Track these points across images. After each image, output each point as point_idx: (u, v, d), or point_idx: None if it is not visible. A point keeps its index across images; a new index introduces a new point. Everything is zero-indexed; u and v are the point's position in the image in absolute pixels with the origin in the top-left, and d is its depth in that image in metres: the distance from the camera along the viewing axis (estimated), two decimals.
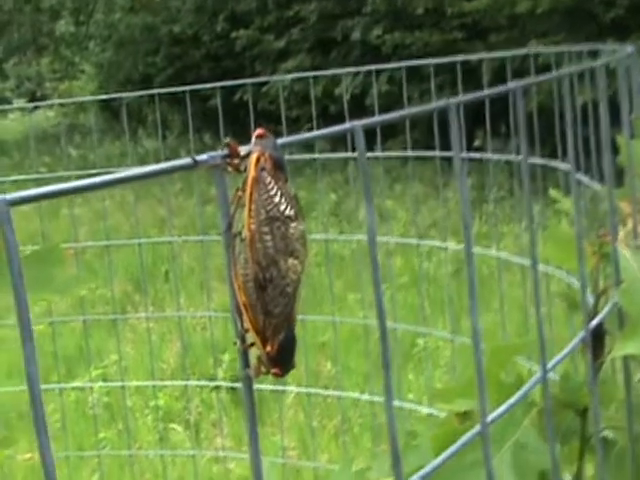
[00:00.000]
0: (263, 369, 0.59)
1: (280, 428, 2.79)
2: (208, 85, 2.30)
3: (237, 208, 0.59)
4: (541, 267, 2.00)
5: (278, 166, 0.59)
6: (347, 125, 0.52)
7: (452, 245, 2.39)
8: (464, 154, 2.05)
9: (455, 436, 0.58)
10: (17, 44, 13.27)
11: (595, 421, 0.67)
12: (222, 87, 2.29)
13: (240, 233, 0.59)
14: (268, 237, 0.58)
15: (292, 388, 2.89)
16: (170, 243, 2.63)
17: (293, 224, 0.59)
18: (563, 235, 0.80)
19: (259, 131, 0.60)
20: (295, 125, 7.28)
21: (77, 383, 3.59)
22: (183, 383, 2.89)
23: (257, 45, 9.39)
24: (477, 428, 0.49)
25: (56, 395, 2.76)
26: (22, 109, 9.90)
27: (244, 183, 0.58)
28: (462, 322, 3.56)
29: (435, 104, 0.57)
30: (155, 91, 2.31)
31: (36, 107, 10.85)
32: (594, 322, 0.73)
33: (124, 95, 2.50)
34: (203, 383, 3.36)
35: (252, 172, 0.58)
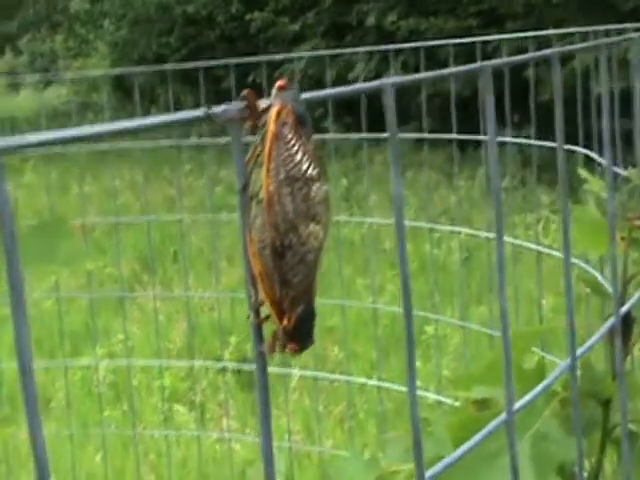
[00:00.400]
0: (278, 345, 0.54)
1: (285, 411, 2.78)
2: (222, 62, 2.27)
3: (254, 167, 0.53)
4: (556, 253, 1.97)
5: (301, 121, 0.53)
6: (376, 83, 0.48)
7: (465, 230, 2.36)
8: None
9: (474, 425, 0.55)
10: (32, 20, 13.24)
11: (622, 413, 0.65)
12: (236, 65, 2.26)
13: (257, 194, 0.53)
14: (288, 199, 0.53)
15: (298, 372, 2.88)
16: (179, 222, 2.61)
17: (316, 185, 0.53)
18: (590, 218, 0.77)
19: (280, 82, 0.54)
20: (307, 110, 7.22)
21: (83, 360, 3.59)
22: (189, 364, 2.88)
23: (271, 27, 9.34)
24: (503, 417, 0.47)
25: (62, 372, 2.75)
26: (34, 85, 9.88)
27: (263, 139, 0.53)
28: (471, 309, 3.53)
29: (470, 66, 0.54)
30: (169, 66, 2.28)
31: (48, 83, 10.83)
32: (623, 309, 0.70)
33: (137, 70, 2.48)
34: (209, 364, 3.35)
35: (272, 127, 0.53)
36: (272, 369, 2.49)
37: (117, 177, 6.73)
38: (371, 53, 6.74)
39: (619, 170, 1.09)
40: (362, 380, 2.80)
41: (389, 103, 0.44)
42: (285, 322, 0.54)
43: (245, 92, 0.53)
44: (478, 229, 2.66)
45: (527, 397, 0.50)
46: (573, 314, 0.51)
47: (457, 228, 2.32)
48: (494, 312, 3.31)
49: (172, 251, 5.21)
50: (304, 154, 0.53)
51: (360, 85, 0.52)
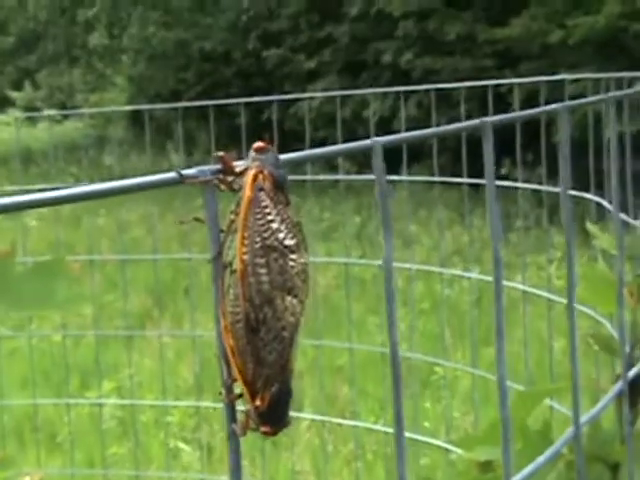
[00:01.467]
0: (252, 425, 0.51)
1: (294, 452, 2.75)
2: (233, 101, 2.28)
3: (229, 234, 0.50)
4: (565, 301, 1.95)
5: (279, 186, 0.50)
6: (368, 142, 0.47)
7: (475, 274, 2.35)
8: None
9: None
10: (51, 55, 13.37)
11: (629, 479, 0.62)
12: (249, 104, 2.27)
13: (231, 264, 0.50)
14: (263, 270, 0.49)
15: (307, 415, 2.86)
16: (189, 260, 2.60)
17: (293, 256, 0.50)
18: (599, 275, 0.75)
19: (259, 144, 0.51)
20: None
21: (90, 395, 3.57)
22: (195, 404, 2.86)
23: (287, 64, 9.41)
24: None
25: (70, 408, 2.74)
26: (51, 118, 9.97)
27: (238, 205, 0.50)
28: (482, 351, 3.50)
29: (468, 123, 0.53)
30: (180, 104, 2.30)
31: (65, 117, 10.91)
32: (632, 372, 0.67)
33: (149, 107, 2.49)
34: (216, 405, 3.33)
35: (248, 192, 0.50)
36: None
37: (130, 210, 6.76)
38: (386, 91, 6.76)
39: (628, 219, 1.08)
40: (368, 425, 2.77)
41: (378, 164, 0.43)
42: (258, 402, 0.50)
43: (220, 153, 0.50)
44: (490, 269, 2.64)
45: (529, 468, 0.48)
46: (578, 378, 0.50)
47: (467, 273, 2.31)
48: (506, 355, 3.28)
49: (183, 286, 5.20)
50: (282, 222, 0.50)
51: (351, 145, 0.50)
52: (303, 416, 2.91)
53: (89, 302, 2.68)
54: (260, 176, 0.51)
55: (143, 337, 4.28)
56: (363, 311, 4.50)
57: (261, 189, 0.50)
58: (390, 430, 2.31)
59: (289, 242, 0.50)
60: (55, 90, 13.92)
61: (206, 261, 0.52)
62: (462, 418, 3.36)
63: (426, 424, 3.32)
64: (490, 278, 2.29)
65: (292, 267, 0.50)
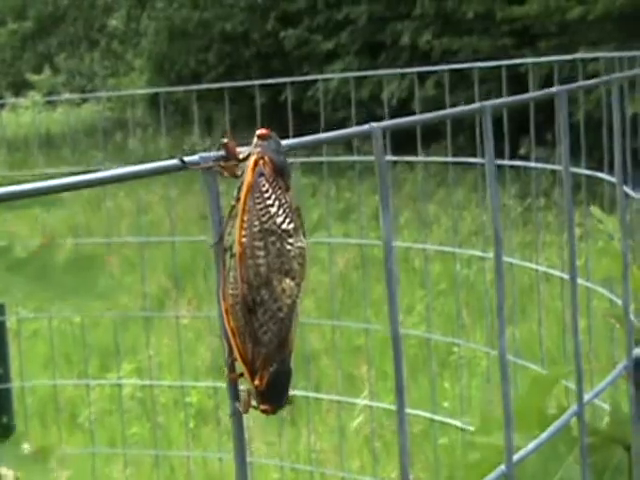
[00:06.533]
0: (253, 403, 0.52)
1: (308, 430, 2.77)
2: (248, 83, 2.28)
3: (230, 218, 0.52)
4: (583, 281, 1.95)
5: (279, 172, 0.52)
6: (365, 127, 0.47)
7: (492, 254, 2.34)
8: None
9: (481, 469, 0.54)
10: (70, 39, 13.40)
11: (635, 459, 0.62)
12: (266, 86, 2.27)
13: (231, 248, 0.51)
14: (261, 253, 0.51)
15: (325, 396, 2.87)
16: (206, 242, 2.61)
17: (291, 240, 0.51)
18: (614, 252, 0.74)
19: (261, 130, 0.53)
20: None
21: (111, 376, 3.60)
22: (212, 384, 2.88)
23: (305, 45, 9.38)
24: (502, 468, 0.46)
25: (90, 389, 2.76)
26: (70, 101, 9.99)
27: (239, 190, 0.51)
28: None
29: (470, 106, 0.53)
30: (196, 87, 2.30)
31: (84, 100, 10.94)
32: (638, 350, 0.67)
33: (166, 89, 2.50)
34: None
35: (248, 177, 0.51)
36: (300, 392, 2.49)
37: (151, 192, 6.78)
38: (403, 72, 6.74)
39: (633, 193, 1.08)
40: (387, 405, 2.78)
41: (378, 148, 0.43)
42: (257, 382, 0.52)
43: (224, 140, 0.51)
44: (508, 250, 2.64)
45: (530, 445, 0.49)
46: (580, 359, 0.50)
47: (484, 253, 2.31)
48: (523, 334, 3.28)
49: (201, 268, 5.23)
50: (280, 206, 0.52)
51: (349, 130, 0.51)
52: (322, 396, 2.93)
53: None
54: (261, 162, 0.52)
55: (162, 318, 4.31)
56: (381, 292, 4.50)
57: (261, 174, 0.52)
58: (410, 410, 2.33)
59: (287, 226, 0.52)
60: (75, 74, 13.96)
61: (209, 245, 0.53)
62: (481, 398, 3.36)
63: (445, 404, 3.33)
64: (509, 259, 2.29)
65: (289, 250, 0.52)
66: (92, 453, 2.47)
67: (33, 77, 13.76)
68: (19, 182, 0.41)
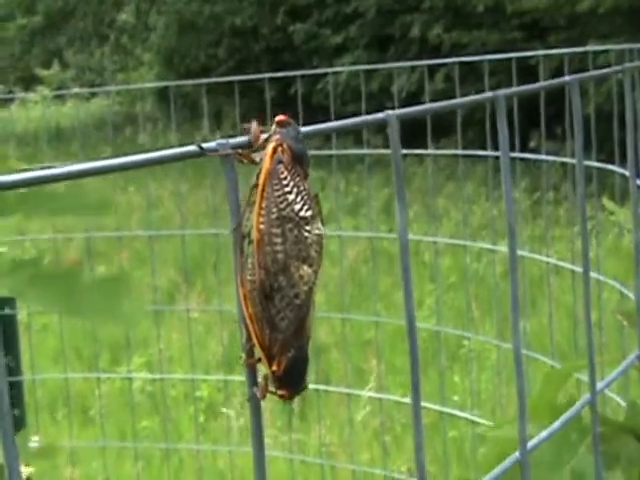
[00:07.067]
0: (270, 388, 0.53)
1: (319, 425, 2.77)
2: (257, 76, 2.28)
3: (249, 205, 0.52)
4: (594, 274, 1.95)
5: (298, 159, 0.51)
6: (380, 115, 0.47)
7: (502, 248, 2.34)
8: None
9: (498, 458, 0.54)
10: (80, 34, 13.41)
11: None
12: (276, 79, 2.27)
13: (249, 234, 0.51)
14: (279, 240, 0.51)
15: (335, 389, 2.87)
16: (217, 235, 2.62)
17: (308, 227, 0.51)
18: (625, 249, 0.74)
19: (280, 117, 0.53)
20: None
21: (121, 370, 3.61)
22: (223, 378, 2.89)
23: (314, 39, 9.37)
24: (516, 455, 0.46)
25: (101, 382, 2.77)
26: (79, 95, 10.00)
27: (258, 177, 0.51)
28: (509, 325, 3.49)
29: (482, 95, 0.53)
30: (205, 80, 2.30)
31: (93, 94, 10.95)
32: None
33: (175, 83, 2.50)
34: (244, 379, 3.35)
35: (267, 164, 0.51)
36: (310, 385, 2.49)
37: (161, 187, 6.79)
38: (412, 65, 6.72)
39: None
40: (397, 398, 2.78)
41: (394, 137, 0.43)
42: (275, 367, 0.52)
43: (248, 125, 0.51)
44: (519, 243, 2.63)
45: (543, 434, 0.49)
46: (593, 350, 0.50)
47: (494, 247, 2.30)
48: (533, 327, 3.28)
49: (212, 262, 5.23)
50: (299, 194, 0.51)
51: (365, 117, 0.50)
52: (331, 389, 2.93)
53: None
54: (280, 149, 0.52)
55: (172, 312, 4.32)
56: (390, 285, 4.50)
57: (280, 161, 0.52)
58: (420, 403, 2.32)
59: (305, 213, 0.52)
60: (84, 69, 13.97)
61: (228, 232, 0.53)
62: (491, 391, 3.36)
63: (455, 397, 3.33)
64: (519, 252, 2.28)
65: (307, 237, 0.52)
66: (102, 447, 2.48)
67: (42, 72, 13.78)
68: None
